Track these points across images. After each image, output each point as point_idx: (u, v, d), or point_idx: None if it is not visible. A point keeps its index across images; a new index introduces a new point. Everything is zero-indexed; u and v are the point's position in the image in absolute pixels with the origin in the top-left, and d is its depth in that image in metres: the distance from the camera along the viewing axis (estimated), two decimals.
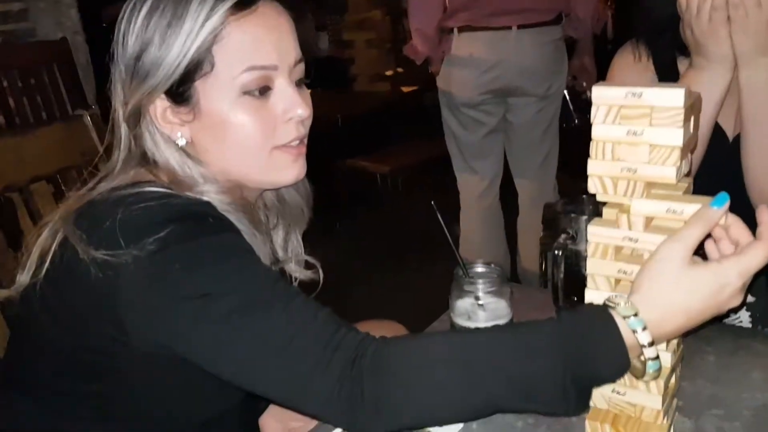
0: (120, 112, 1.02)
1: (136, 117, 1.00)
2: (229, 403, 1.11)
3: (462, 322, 1.09)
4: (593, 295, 0.88)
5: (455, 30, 2.71)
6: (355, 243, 4.03)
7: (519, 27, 2.64)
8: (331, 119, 4.42)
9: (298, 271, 1.21)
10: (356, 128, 4.66)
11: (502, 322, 1.09)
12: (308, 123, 1.06)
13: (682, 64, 1.35)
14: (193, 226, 0.91)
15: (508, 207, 3.11)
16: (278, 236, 1.20)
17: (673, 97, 0.79)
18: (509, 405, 0.85)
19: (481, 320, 1.08)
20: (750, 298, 1.30)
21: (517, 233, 3.11)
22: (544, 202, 2.73)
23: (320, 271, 1.23)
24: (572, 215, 1.17)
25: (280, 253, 1.20)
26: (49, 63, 2.93)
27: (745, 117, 1.22)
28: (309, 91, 1.08)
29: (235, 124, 0.98)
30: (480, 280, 1.09)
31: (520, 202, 3.04)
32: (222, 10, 0.94)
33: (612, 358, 0.80)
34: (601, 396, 0.91)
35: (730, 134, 1.34)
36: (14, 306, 1.06)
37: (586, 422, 0.92)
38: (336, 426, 0.91)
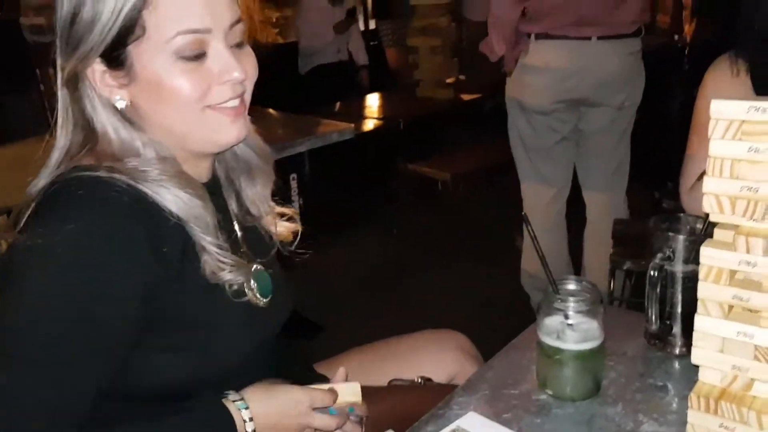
0: (59, 76, 1.01)
1: (75, 81, 1.00)
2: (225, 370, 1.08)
3: (550, 341, 1.05)
4: (704, 322, 0.83)
5: (532, 36, 2.66)
6: (416, 246, 3.99)
7: (599, 38, 2.57)
8: (394, 123, 4.41)
9: (273, 224, 1.21)
10: (419, 132, 4.63)
11: (593, 344, 1.04)
12: (249, 83, 1.05)
13: None
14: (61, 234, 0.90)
15: (573, 220, 3.04)
16: (247, 195, 1.18)
17: None
18: None
19: (570, 341, 1.04)
20: None
21: (582, 247, 3.03)
22: (614, 217, 2.68)
23: (298, 220, 1.23)
24: (669, 234, 1.11)
25: (254, 210, 1.19)
26: None
27: None
28: (250, 50, 1.06)
29: (170, 87, 0.97)
30: (571, 299, 1.05)
31: (588, 214, 2.96)
32: None
33: None
34: (706, 430, 0.85)
35: None
36: None
37: None
38: None
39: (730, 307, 0.82)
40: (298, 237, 1.21)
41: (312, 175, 3.57)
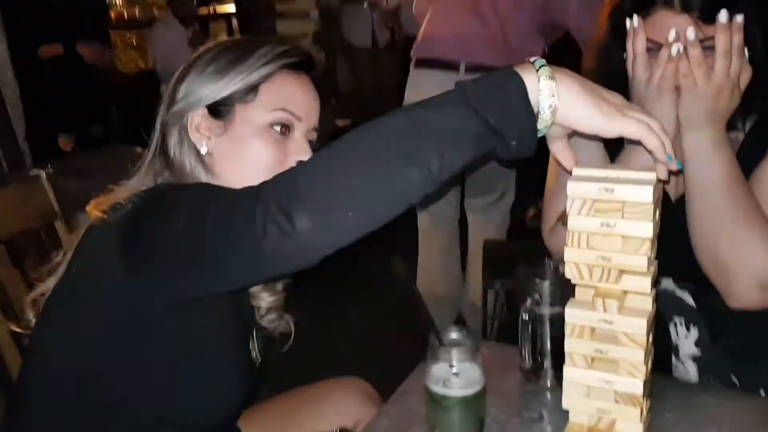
0: (164, 108, 1.19)
1: (174, 119, 1.17)
2: (220, 413, 1.19)
3: (437, 389, 1.13)
4: (572, 372, 0.94)
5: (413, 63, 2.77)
6: (299, 290, 3.96)
7: (467, 69, 2.70)
8: None
9: (270, 315, 1.30)
10: None
11: (476, 388, 1.13)
12: None
13: None
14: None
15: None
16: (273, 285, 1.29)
17: (642, 193, 0.86)
18: (433, 154, 0.83)
19: (456, 387, 1.13)
20: (696, 351, 1.39)
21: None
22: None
23: (292, 324, 1.34)
24: (536, 280, 1.23)
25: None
26: None
27: (689, 182, 1.30)
28: None
29: (256, 145, 1.16)
30: (454, 348, 1.14)
31: (471, 236, 3.09)
32: (280, 63, 1.17)
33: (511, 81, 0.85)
34: None
35: (673, 196, 1.43)
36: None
37: None
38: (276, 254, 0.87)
39: (593, 358, 0.94)
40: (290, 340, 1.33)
41: None
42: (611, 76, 1.40)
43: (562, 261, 1.35)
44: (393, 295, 2.97)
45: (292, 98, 1.18)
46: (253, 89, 1.16)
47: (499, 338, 3.01)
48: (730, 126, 1.33)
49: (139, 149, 3.34)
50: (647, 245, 0.87)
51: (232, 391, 1.17)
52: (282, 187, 0.84)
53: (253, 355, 1.24)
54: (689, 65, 1.23)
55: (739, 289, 1.28)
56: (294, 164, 1.16)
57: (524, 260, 2.15)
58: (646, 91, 1.28)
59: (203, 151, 1.17)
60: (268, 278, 1.16)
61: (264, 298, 1.23)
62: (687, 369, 1.39)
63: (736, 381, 1.35)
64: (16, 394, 1.19)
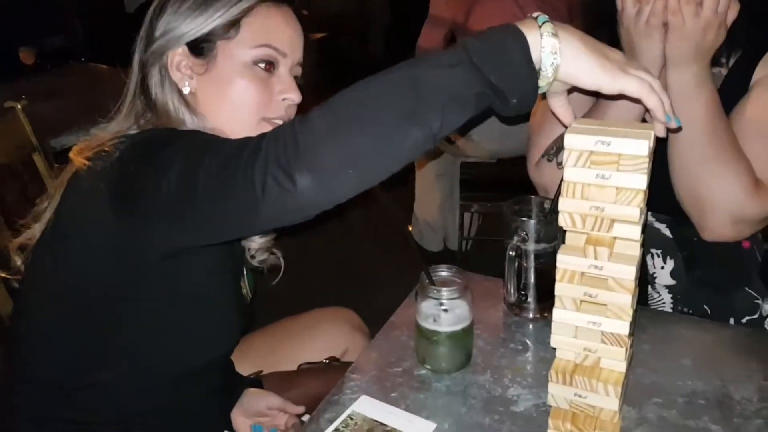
0: (142, 46, 1.15)
1: (155, 56, 1.13)
2: (215, 353, 1.23)
3: (427, 325, 1.18)
4: (561, 314, 0.98)
5: None
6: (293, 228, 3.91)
7: None
8: None
9: (260, 255, 1.32)
10: None
11: (464, 324, 1.18)
12: (293, 112, 1.20)
13: None
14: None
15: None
16: None
17: (638, 147, 0.87)
18: (432, 113, 0.82)
19: (445, 324, 1.17)
20: (671, 281, 1.45)
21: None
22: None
23: (281, 259, 1.36)
24: (522, 219, 1.26)
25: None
26: None
27: None
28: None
29: (240, 85, 1.13)
30: (444, 287, 1.17)
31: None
32: None
33: (513, 36, 0.83)
34: (564, 399, 1.02)
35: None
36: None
37: (549, 420, 1.03)
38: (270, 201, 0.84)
39: (582, 301, 0.97)
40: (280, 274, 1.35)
41: None
42: (600, 9, 1.40)
43: (546, 196, 1.38)
44: (380, 229, 3.03)
45: (275, 33, 1.16)
46: (234, 24, 1.13)
47: (472, 257, 3.11)
48: (714, 61, 1.34)
49: (105, 67, 3.24)
50: (640, 197, 0.89)
51: (227, 329, 1.20)
52: (282, 145, 0.82)
53: (244, 292, 1.26)
54: (678, 2, 1.23)
55: (714, 223, 1.34)
56: (281, 103, 1.15)
57: (499, 182, 2.20)
58: (634, 27, 1.28)
59: (186, 91, 1.14)
60: (263, 232, 1.17)
61: (255, 240, 1.24)
62: (662, 298, 1.46)
63: (708, 310, 1.42)
64: (12, 339, 1.20)
